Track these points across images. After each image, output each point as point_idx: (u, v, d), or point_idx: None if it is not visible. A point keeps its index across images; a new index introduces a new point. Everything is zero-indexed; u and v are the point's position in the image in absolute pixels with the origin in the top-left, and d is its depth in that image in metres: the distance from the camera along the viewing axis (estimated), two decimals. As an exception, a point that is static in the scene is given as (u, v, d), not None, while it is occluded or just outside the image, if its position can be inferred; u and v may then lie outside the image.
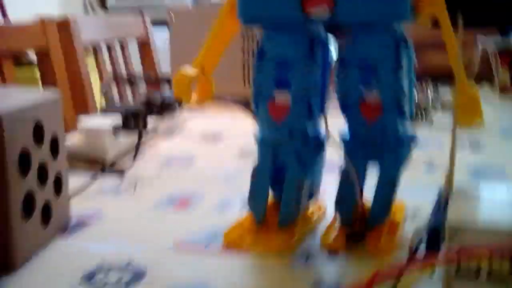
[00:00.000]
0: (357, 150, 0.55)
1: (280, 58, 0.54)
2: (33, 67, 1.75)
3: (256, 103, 0.56)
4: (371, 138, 0.54)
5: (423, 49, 1.37)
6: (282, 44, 0.55)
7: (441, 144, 0.95)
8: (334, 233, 0.55)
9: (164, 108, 0.98)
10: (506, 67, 1.43)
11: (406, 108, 0.53)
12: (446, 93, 1.21)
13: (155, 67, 1.84)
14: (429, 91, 1.23)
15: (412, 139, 0.55)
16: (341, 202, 0.55)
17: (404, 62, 0.52)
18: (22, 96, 0.57)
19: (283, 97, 0.55)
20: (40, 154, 0.56)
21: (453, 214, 0.39)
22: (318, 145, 0.57)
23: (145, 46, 1.87)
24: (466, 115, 0.52)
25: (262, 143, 0.57)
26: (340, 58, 0.54)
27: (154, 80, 1.31)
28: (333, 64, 0.55)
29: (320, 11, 0.51)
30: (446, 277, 0.37)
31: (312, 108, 0.55)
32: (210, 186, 0.75)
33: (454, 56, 0.50)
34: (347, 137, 0.55)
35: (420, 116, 1.11)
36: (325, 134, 0.57)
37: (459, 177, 0.77)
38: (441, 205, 0.42)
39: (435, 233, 0.39)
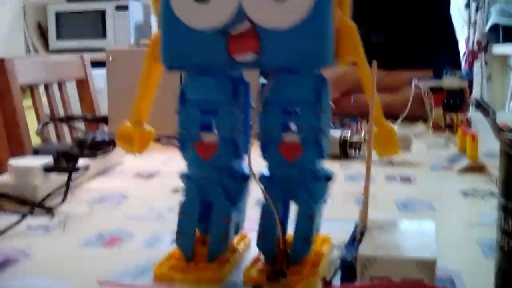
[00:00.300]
0: (276, 188, 0.56)
1: (204, 102, 0.56)
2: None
3: (182, 144, 0.57)
4: (290, 176, 0.55)
5: (357, 91, 1.41)
6: (206, 87, 0.55)
7: (372, 178, 0.97)
8: (257, 268, 0.56)
9: (98, 147, 0.98)
10: (440, 106, 1.48)
11: (325, 147, 0.55)
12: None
13: (93, 107, 1.84)
14: (362, 129, 1.26)
15: (328, 177, 0.56)
16: (262, 238, 0.56)
17: (324, 104, 0.54)
18: None
19: (210, 138, 0.56)
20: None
21: (365, 246, 0.41)
22: (244, 180, 0.58)
23: (83, 86, 1.86)
24: (383, 147, 0.54)
25: (189, 180, 0.58)
26: (262, 99, 0.55)
27: (92, 120, 1.31)
28: (256, 103, 0.56)
29: (245, 56, 0.52)
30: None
31: (238, 147, 0.57)
32: (141, 223, 0.75)
33: (369, 94, 0.52)
34: (267, 175, 0.56)
35: (354, 152, 1.14)
36: (249, 170, 0.58)
37: (387, 210, 0.80)
38: (355, 237, 0.43)
39: (349, 265, 0.40)
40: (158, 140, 1.13)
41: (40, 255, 0.64)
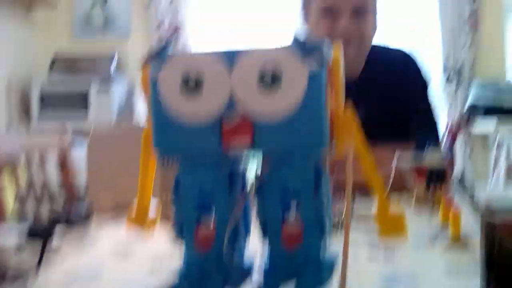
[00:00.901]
0: (277, 278, 0.55)
1: (199, 195, 0.55)
2: None
3: (179, 234, 0.56)
4: (292, 266, 0.54)
5: (340, 165, 1.40)
6: (200, 179, 0.54)
7: (355, 257, 0.96)
8: None
9: (73, 222, 0.96)
10: (422, 182, 1.48)
11: (327, 228, 0.54)
12: (361, 206, 1.23)
13: (73, 179, 1.82)
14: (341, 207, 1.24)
15: (332, 264, 0.55)
16: None
17: (326, 190, 0.54)
18: None
19: (206, 230, 0.55)
20: None
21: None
22: (243, 271, 0.57)
23: (64, 159, 1.85)
24: (390, 228, 0.53)
25: (188, 272, 0.56)
26: (259, 186, 0.54)
27: (70, 194, 1.29)
28: (252, 190, 0.56)
29: (240, 144, 0.51)
30: None
31: (237, 235, 0.56)
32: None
33: (374, 179, 0.51)
34: (267, 266, 0.55)
35: (336, 227, 1.12)
36: (250, 260, 0.57)
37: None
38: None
39: None
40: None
41: None
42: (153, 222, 0.60)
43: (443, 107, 3.96)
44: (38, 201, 1.66)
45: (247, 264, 0.57)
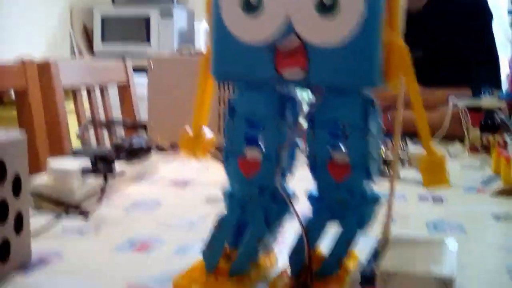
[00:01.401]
0: (324, 209, 0.56)
1: (251, 116, 0.56)
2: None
3: (226, 158, 0.57)
4: (338, 198, 0.55)
5: (394, 108, 1.40)
6: (253, 102, 0.56)
7: (405, 198, 0.98)
8: (282, 281, 0.56)
9: (134, 153, 1.00)
10: (477, 126, 1.47)
11: (373, 170, 0.54)
12: (414, 149, 1.24)
13: (134, 113, 1.87)
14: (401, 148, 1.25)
15: (376, 200, 0.56)
16: (295, 253, 0.56)
17: (372, 126, 0.53)
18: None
19: (253, 154, 0.56)
20: (1, 192, 0.57)
21: (385, 261, 0.41)
22: (285, 202, 0.57)
23: (125, 92, 1.90)
24: (432, 177, 0.53)
25: (231, 197, 0.58)
26: (310, 117, 0.55)
27: (131, 126, 1.33)
28: (303, 122, 0.56)
29: (293, 73, 0.52)
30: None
31: (282, 167, 0.56)
32: (172, 231, 0.76)
33: (421, 121, 0.51)
34: (316, 196, 0.56)
35: (388, 170, 1.14)
36: (293, 191, 0.58)
37: (417, 230, 0.80)
38: (377, 252, 0.44)
39: (368, 279, 0.41)
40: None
41: (72, 257, 0.66)
42: (207, 148, 0.62)
43: (506, 48, 3.84)
44: (100, 130, 1.72)
45: (290, 194, 0.58)
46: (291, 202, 0.55)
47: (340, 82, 0.52)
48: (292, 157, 0.58)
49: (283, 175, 0.57)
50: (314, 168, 0.55)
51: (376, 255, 0.44)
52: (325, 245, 0.57)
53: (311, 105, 0.55)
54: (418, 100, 0.52)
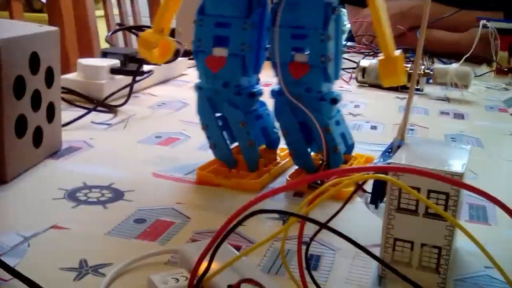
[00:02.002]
0: (285, 106, 0.58)
1: (219, 16, 0.57)
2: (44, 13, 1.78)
3: (196, 56, 0.59)
4: (297, 94, 0.57)
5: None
6: (222, 3, 0.57)
7: (427, 112, 1.00)
8: (298, 177, 0.59)
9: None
10: (506, 49, 1.46)
11: (331, 71, 0.56)
12: (441, 67, 1.24)
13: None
14: (423, 64, 1.26)
15: (334, 99, 0.58)
16: (295, 156, 0.60)
17: (331, 30, 0.55)
18: (22, 28, 0.61)
19: (220, 52, 0.58)
20: (35, 82, 0.60)
21: (398, 157, 0.43)
22: (251, 95, 0.60)
23: (154, -1, 1.90)
24: (387, 75, 0.54)
25: (200, 89, 0.60)
26: (274, 16, 0.56)
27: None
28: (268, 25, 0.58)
29: None
30: (388, 210, 0.41)
31: (247, 65, 0.58)
32: (197, 128, 0.78)
33: (377, 21, 0.52)
34: (276, 90, 0.59)
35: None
36: (259, 88, 0.61)
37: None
38: (391, 149, 0.46)
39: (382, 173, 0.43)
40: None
41: (101, 147, 0.69)
42: (165, 50, 0.60)
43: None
44: (129, 34, 1.73)
45: (254, 90, 0.60)
46: (238, 95, 0.58)
47: None
48: (259, 58, 0.60)
49: (248, 73, 0.59)
50: (275, 67, 0.57)
51: (390, 150, 0.45)
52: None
53: (275, 4, 0.56)
54: (378, 16, 0.52)
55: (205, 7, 0.58)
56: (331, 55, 0.56)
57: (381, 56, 0.53)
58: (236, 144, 0.62)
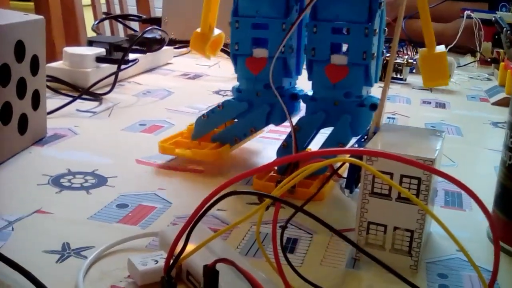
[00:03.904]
0: (318, 109, 0.56)
1: (255, 17, 0.56)
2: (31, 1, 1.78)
3: (234, 60, 0.59)
4: (333, 99, 0.55)
5: (408, 16, 1.40)
6: (257, 2, 0.56)
7: (409, 101, 1.01)
8: (268, 175, 0.57)
9: (148, 44, 1.03)
10: (489, 40, 1.48)
11: (372, 71, 0.54)
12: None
13: (149, 7, 1.87)
14: (407, 54, 1.27)
15: (373, 104, 0.56)
16: (282, 150, 0.58)
17: (376, 25, 0.53)
18: (7, 17, 0.62)
19: (260, 53, 0.57)
20: (20, 70, 0.60)
21: (373, 143, 0.45)
22: (293, 97, 0.59)
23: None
24: (432, 74, 0.54)
25: (239, 92, 0.60)
26: (313, 16, 0.54)
27: (145, 20, 1.35)
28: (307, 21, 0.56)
29: None
30: (362, 194, 0.43)
31: (288, 66, 0.58)
32: (180, 116, 0.80)
33: (426, 23, 0.52)
34: (310, 95, 0.57)
35: (395, 74, 1.16)
36: (300, 89, 0.60)
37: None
38: (367, 135, 0.47)
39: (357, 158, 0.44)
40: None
41: (85, 134, 0.70)
42: (216, 46, 0.63)
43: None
44: (115, 23, 1.74)
45: (297, 92, 0.59)
46: (280, 98, 0.55)
47: None
48: (299, 58, 0.59)
49: (290, 74, 0.58)
50: (311, 68, 0.56)
51: (366, 137, 0.47)
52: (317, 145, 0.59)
53: (315, 3, 0.54)
54: (425, 3, 0.52)
55: (239, 8, 0.57)
56: (374, 52, 0.53)
57: (423, 52, 0.53)
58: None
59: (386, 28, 0.57)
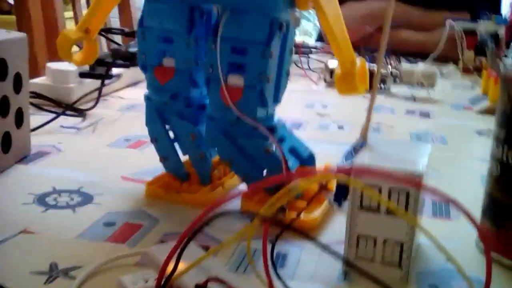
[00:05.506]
0: (216, 131, 0.54)
1: (160, 30, 0.54)
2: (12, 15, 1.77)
3: (142, 67, 0.57)
4: (229, 121, 0.53)
5: (392, 27, 1.41)
6: (161, 15, 0.54)
7: (393, 111, 1.01)
8: (256, 199, 0.55)
9: (131, 59, 1.02)
10: (472, 49, 1.49)
11: (267, 94, 0.52)
12: (407, 67, 1.26)
13: (132, 21, 1.87)
14: (390, 64, 1.28)
15: (272, 127, 0.53)
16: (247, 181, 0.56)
17: (275, 48, 0.51)
18: (-12, 34, 0.61)
19: (168, 63, 0.55)
20: (3, 88, 0.60)
21: (361, 157, 0.45)
22: (201, 107, 0.57)
23: (123, 0, 1.89)
24: (344, 85, 0.53)
25: (148, 100, 0.58)
26: (214, 32, 0.51)
27: (129, 34, 1.34)
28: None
29: None
30: (351, 208, 0.43)
31: (195, 79, 0.56)
32: (166, 131, 0.80)
33: (331, 36, 0.50)
34: (208, 114, 0.55)
35: (379, 86, 1.17)
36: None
37: (400, 139, 0.83)
38: (354, 149, 0.47)
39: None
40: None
41: (70, 151, 0.69)
42: (89, 53, 0.60)
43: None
44: (98, 36, 1.73)
45: (205, 103, 0.57)
46: (188, 108, 0.55)
47: (241, 4, 0.50)
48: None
49: (198, 85, 0.56)
50: (208, 85, 0.53)
51: (353, 151, 0.46)
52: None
53: (218, 18, 0.52)
54: (327, 20, 0.50)
55: (144, 18, 0.55)
56: (270, 75, 0.51)
57: (337, 69, 0.52)
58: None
59: (294, 48, 0.55)
